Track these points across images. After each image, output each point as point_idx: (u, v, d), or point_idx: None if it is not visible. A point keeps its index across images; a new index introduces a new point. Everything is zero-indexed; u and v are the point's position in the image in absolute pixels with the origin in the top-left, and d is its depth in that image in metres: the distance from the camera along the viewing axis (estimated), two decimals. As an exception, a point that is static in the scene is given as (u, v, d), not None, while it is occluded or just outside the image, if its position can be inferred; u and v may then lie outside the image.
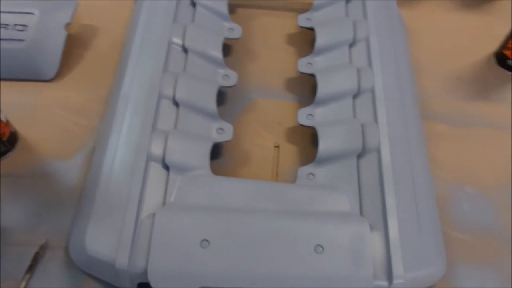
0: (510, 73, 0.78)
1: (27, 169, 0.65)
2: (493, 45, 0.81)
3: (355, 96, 0.66)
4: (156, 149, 0.60)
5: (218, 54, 0.72)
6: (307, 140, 0.69)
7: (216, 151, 0.68)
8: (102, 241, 0.55)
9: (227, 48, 0.79)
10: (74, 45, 0.78)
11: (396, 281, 0.52)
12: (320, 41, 0.73)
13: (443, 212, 0.63)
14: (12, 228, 0.60)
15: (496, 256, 0.62)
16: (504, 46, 0.76)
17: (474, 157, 0.70)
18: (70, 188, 0.64)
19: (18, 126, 0.68)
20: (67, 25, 0.76)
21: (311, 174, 0.62)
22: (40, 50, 0.74)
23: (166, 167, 0.60)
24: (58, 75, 0.75)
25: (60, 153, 0.67)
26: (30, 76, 0.74)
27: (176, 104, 0.65)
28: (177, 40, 0.70)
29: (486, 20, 0.85)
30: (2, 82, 0.72)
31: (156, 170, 0.59)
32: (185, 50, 0.70)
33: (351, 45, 0.72)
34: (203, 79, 0.69)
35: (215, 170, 0.63)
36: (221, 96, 0.73)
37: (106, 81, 0.74)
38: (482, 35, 0.83)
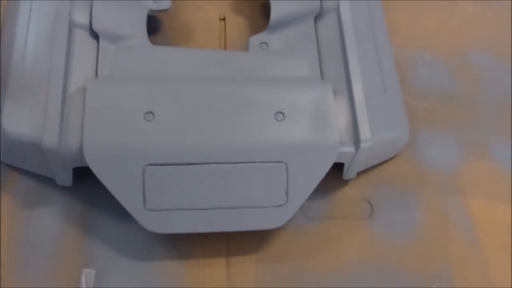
0: None
1: None
2: None
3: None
4: (80, 15, 0.50)
5: None
6: (257, 11, 0.62)
7: (153, 25, 0.59)
8: (23, 120, 0.46)
9: None
10: None
11: (363, 145, 0.48)
12: None
13: (402, 80, 0.59)
14: None
15: (455, 121, 0.59)
16: None
17: (430, 22, 0.66)
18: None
19: None
20: None
21: (264, 43, 0.55)
22: None
23: (95, 35, 0.50)
24: None
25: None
26: None
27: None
28: None
29: None
30: None
31: (82, 38, 0.50)
32: None
33: None
34: None
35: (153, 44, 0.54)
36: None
37: None
38: None
